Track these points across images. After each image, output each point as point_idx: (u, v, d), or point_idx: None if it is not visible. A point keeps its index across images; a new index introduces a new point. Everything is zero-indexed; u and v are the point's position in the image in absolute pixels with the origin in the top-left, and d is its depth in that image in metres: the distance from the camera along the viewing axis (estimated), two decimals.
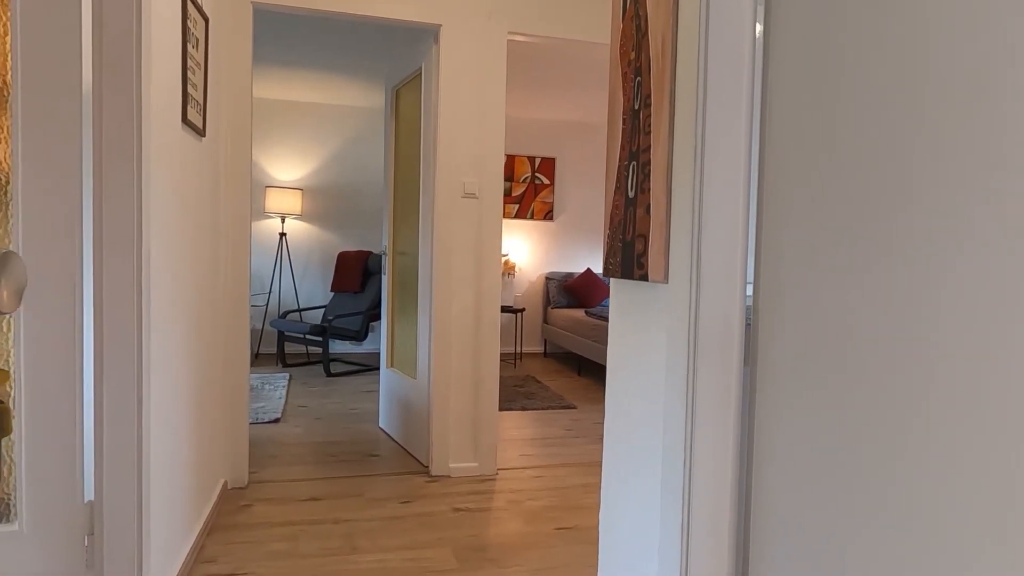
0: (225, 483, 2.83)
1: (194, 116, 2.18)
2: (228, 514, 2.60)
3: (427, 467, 3.22)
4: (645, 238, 1.33)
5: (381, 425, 3.93)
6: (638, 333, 1.39)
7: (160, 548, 1.81)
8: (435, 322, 3.12)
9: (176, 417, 2.00)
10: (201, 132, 2.29)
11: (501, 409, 4.51)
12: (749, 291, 1.32)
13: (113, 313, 1.57)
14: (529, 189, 6.95)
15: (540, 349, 7.11)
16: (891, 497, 0.88)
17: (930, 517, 0.82)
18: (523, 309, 6.60)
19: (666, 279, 1.26)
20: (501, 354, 6.88)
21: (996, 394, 0.74)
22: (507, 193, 6.88)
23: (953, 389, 0.79)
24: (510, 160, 6.87)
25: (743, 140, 1.13)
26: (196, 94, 2.22)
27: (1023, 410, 0.71)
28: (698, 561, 1.23)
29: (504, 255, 5.99)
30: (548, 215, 7.02)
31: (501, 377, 5.68)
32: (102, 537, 1.58)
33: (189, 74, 2.10)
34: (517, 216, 6.94)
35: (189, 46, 2.10)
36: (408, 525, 2.56)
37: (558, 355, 6.94)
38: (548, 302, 6.86)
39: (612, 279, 1.55)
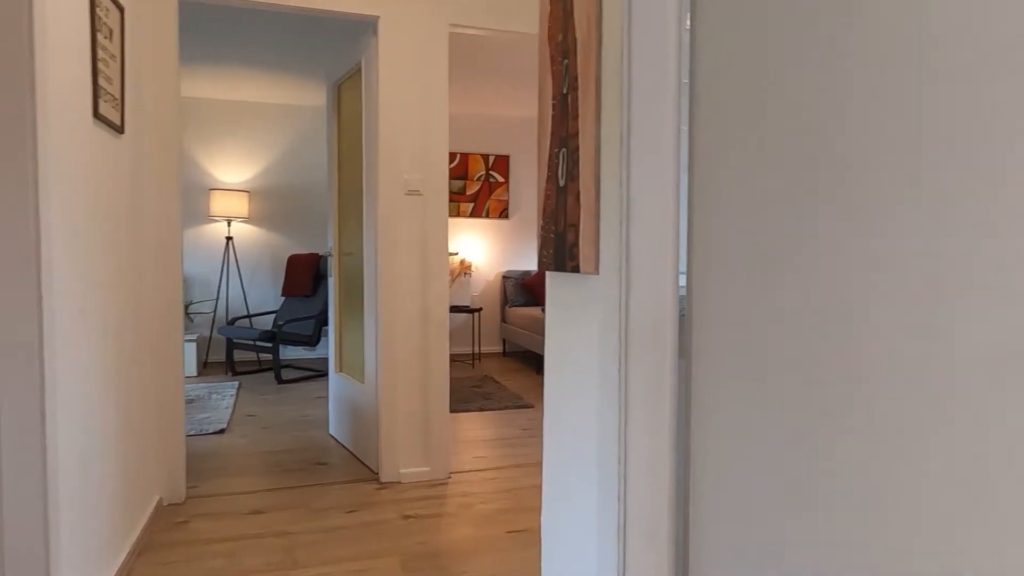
0: (160, 500, 2.69)
1: (109, 111, 2.04)
2: (162, 532, 2.46)
3: (377, 474, 3.12)
4: (576, 228, 1.27)
5: (331, 432, 3.81)
6: (572, 328, 1.33)
7: None
8: (381, 323, 3.03)
9: (93, 436, 1.87)
10: (119, 128, 2.15)
11: (457, 411, 4.43)
12: (683, 281, 1.27)
13: (9, 327, 1.44)
14: (484, 187, 6.88)
15: (499, 349, 7.04)
16: (831, 493, 0.84)
17: (870, 511, 0.78)
18: (480, 309, 6.53)
19: (597, 270, 1.20)
20: (459, 355, 6.80)
21: (930, 382, 0.70)
22: (461, 192, 6.79)
23: (891, 381, 0.74)
24: (464, 158, 6.78)
25: (671, 123, 1.07)
26: (111, 88, 2.08)
27: (954, 393, 0.67)
28: (636, 563, 1.18)
29: (454, 253, 5.91)
30: (503, 213, 6.95)
31: (458, 378, 5.59)
32: (2, 572, 1.45)
33: (101, 66, 1.97)
34: (472, 215, 6.86)
35: (100, 36, 1.96)
36: (354, 535, 2.46)
37: (517, 354, 6.89)
38: (506, 301, 6.80)
39: (547, 272, 1.48)
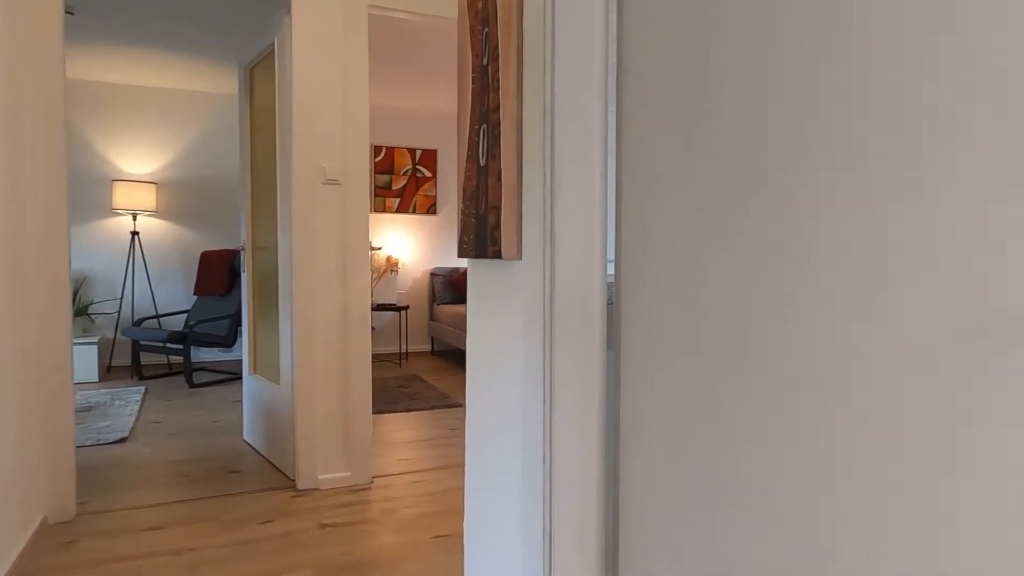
0: (45, 518, 2.43)
1: None
2: (45, 555, 2.22)
3: (293, 481, 2.94)
4: (498, 210, 1.17)
5: (245, 438, 3.58)
6: (495, 318, 1.24)
7: None
8: (297, 321, 2.85)
9: None
10: None
11: (382, 412, 4.27)
12: (611, 268, 1.20)
13: None
14: (411, 182, 6.71)
15: (427, 348, 6.89)
16: (766, 489, 0.78)
17: (804, 506, 0.72)
18: (407, 307, 6.36)
19: (520, 255, 1.11)
20: (385, 354, 6.61)
21: (863, 371, 0.65)
22: (387, 187, 6.60)
23: (823, 371, 0.69)
24: (390, 152, 6.60)
25: (597, 95, 0.99)
26: None
27: (886, 382, 0.62)
28: (563, 565, 1.09)
29: (377, 248, 5.72)
30: (431, 209, 6.81)
31: (383, 378, 5.42)
32: None
33: None
34: (399, 210, 6.68)
35: None
36: (267, 548, 2.29)
37: (445, 353, 6.76)
38: (434, 298, 6.66)
39: (468, 259, 1.39)
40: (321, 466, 2.90)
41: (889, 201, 0.62)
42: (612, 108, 1.07)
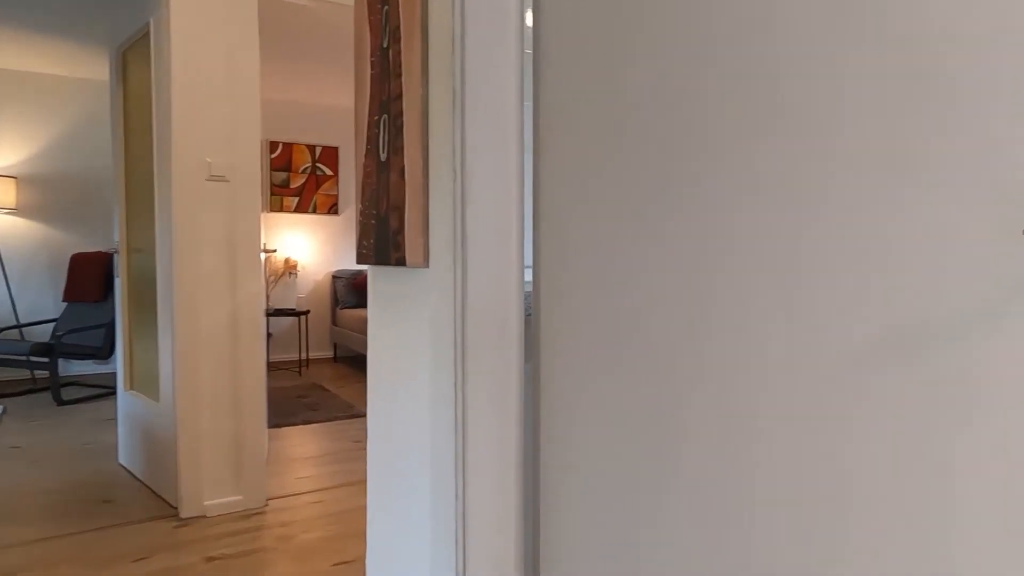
0: None
1: None
2: None
3: (176, 509, 2.66)
4: (401, 211, 1.04)
5: (121, 462, 3.22)
6: (399, 333, 1.11)
7: None
8: (179, 330, 2.57)
9: None
10: None
11: (279, 426, 3.99)
12: (528, 275, 1.09)
13: None
14: (310, 181, 6.38)
15: (329, 354, 6.58)
16: (692, 500, 0.69)
17: (730, 514, 0.64)
18: (308, 311, 6.05)
19: (426, 262, 0.98)
20: (283, 362, 6.25)
21: (787, 379, 0.58)
22: (285, 185, 6.25)
23: (746, 378, 0.62)
24: (288, 149, 6.24)
25: (513, 80, 0.89)
26: None
27: (810, 392, 0.57)
28: None
29: (272, 250, 5.39)
30: (333, 209, 6.51)
31: (281, 388, 5.10)
32: None
33: None
34: (298, 210, 6.34)
35: None
36: None
37: (349, 359, 6.48)
38: (336, 303, 6.37)
39: (369, 267, 1.24)
40: (208, 490, 2.64)
41: (807, 213, 0.57)
42: (528, 100, 0.96)
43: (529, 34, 0.94)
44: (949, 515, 0.52)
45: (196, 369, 2.61)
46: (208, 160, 2.58)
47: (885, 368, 0.59)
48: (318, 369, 5.98)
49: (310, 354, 6.45)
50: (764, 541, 0.65)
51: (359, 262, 1.23)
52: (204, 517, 2.61)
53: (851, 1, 0.57)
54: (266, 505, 2.73)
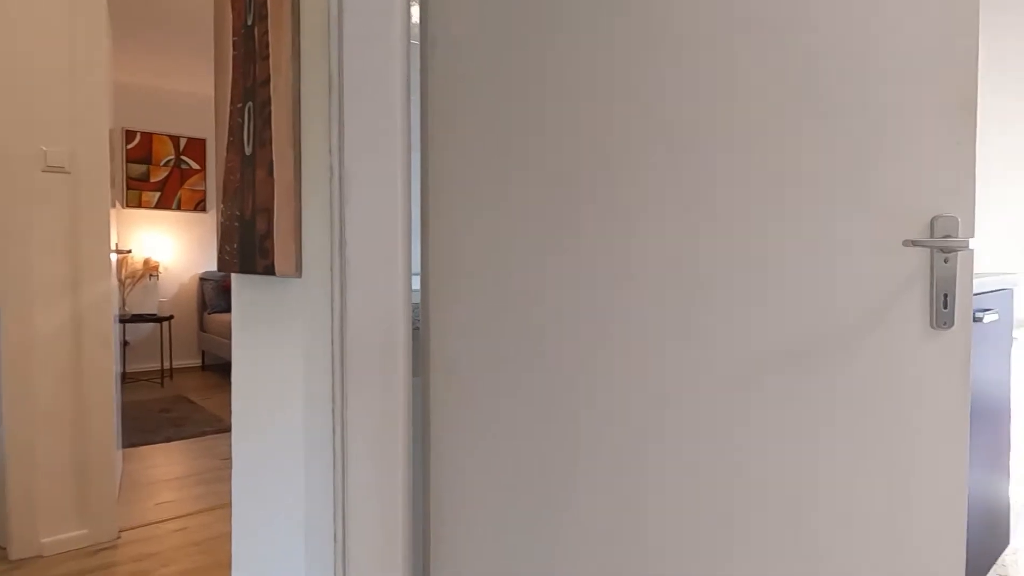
0: None
1: None
2: None
3: (5, 549, 2.30)
4: (269, 213, 0.91)
5: None
6: (268, 351, 0.97)
7: None
8: (6, 342, 2.23)
9: None
10: None
11: (137, 445, 3.61)
12: (416, 284, 1.00)
13: None
14: (173, 175, 5.88)
15: (197, 362, 6.09)
16: (590, 523, 0.64)
17: (626, 532, 0.60)
18: (171, 317, 5.56)
19: (298, 271, 0.86)
20: (143, 373, 5.70)
21: (680, 394, 0.54)
22: (144, 179, 5.71)
23: (640, 400, 0.57)
24: (147, 139, 5.71)
25: (399, 61, 0.79)
26: None
27: (702, 404, 0.52)
28: None
29: (127, 250, 4.90)
30: (200, 206, 6.03)
31: (140, 402, 4.64)
32: None
33: None
34: (159, 206, 5.81)
35: None
36: None
37: (219, 367, 6.02)
38: (204, 307, 5.90)
39: (233, 275, 1.10)
40: (45, 526, 2.31)
41: (704, 226, 0.54)
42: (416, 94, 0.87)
43: (417, 9, 0.85)
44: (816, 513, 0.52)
45: (28, 383, 2.27)
46: (43, 149, 2.26)
47: (779, 376, 0.58)
48: (184, 379, 5.51)
49: (175, 363, 5.94)
50: (662, 554, 0.62)
51: (221, 269, 1.08)
52: (40, 557, 2.28)
53: (744, 22, 0.53)
54: (118, 538, 2.43)
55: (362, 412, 0.80)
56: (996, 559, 1.94)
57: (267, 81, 0.90)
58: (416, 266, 1.01)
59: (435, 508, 0.86)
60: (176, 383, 5.35)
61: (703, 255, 0.68)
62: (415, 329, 0.91)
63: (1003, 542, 1.97)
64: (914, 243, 0.90)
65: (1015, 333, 2.25)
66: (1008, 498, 2.01)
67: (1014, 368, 2.42)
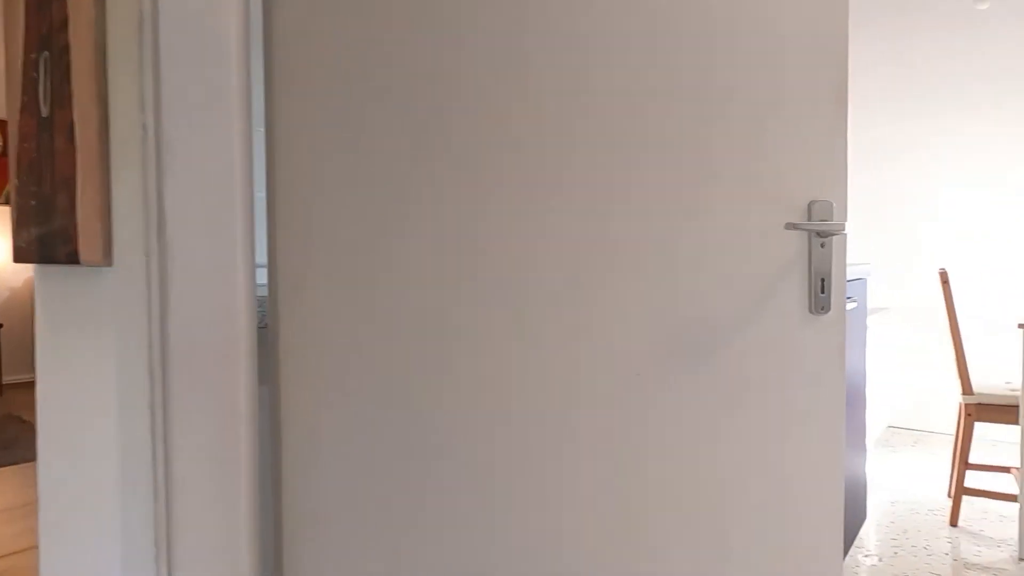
0: None
1: None
2: None
3: None
4: (71, 187, 0.74)
5: None
6: (75, 360, 0.80)
7: None
8: None
9: None
10: None
11: None
12: (262, 277, 0.86)
13: None
14: (2, 164, 5.17)
15: (32, 376, 5.40)
16: (455, 542, 0.55)
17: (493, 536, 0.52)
18: (1, 325, 4.89)
19: (108, 259, 0.70)
20: None
21: (545, 395, 0.47)
22: None
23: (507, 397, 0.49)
24: None
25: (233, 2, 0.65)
26: None
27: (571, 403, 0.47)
28: None
29: None
30: None
31: None
32: None
33: None
34: None
35: None
36: None
37: None
38: None
39: (34, 267, 0.90)
40: None
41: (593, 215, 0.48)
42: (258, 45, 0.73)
43: None
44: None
45: None
46: None
47: (661, 371, 0.55)
48: (17, 395, 4.86)
49: (5, 377, 5.23)
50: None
51: (17, 260, 0.88)
52: None
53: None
54: None
55: (190, 430, 0.66)
56: (857, 533, 2.06)
57: (65, 23, 0.73)
58: (262, 256, 0.87)
59: (289, 544, 0.73)
60: (8, 400, 4.71)
61: (566, 253, 0.62)
62: (261, 328, 0.77)
63: (861, 517, 2.10)
64: (795, 226, 0.89)
65: (867, 321, 2.42)
66: (865, 475, 2.15)
67: (868, 354, 2.61)
